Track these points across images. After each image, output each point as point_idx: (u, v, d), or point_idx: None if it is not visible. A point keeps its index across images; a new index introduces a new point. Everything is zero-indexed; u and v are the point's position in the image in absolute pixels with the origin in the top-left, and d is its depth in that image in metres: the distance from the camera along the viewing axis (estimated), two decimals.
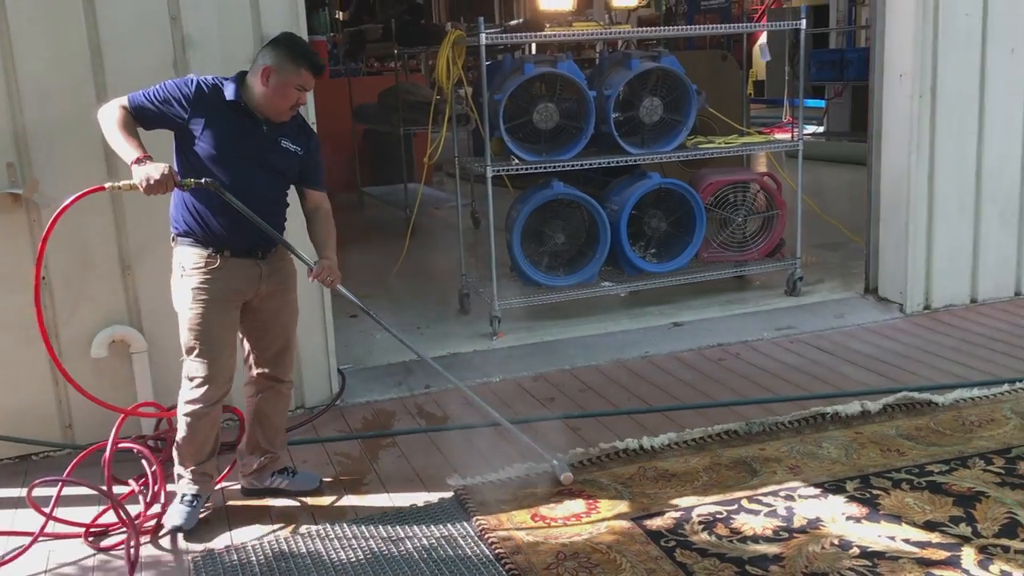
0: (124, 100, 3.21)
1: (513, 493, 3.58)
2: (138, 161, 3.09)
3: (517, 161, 5.39)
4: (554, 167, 5.43)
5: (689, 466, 3.72)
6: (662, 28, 6.42)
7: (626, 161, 5.61)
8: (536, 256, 5.63)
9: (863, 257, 6.21)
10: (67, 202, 3.29)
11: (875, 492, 3.42)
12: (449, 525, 3.40)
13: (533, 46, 8.33)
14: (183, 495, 3.51)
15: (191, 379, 3.38)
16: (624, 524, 3.31)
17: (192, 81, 3.26)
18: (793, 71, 14.40)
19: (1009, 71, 5.43)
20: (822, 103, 14.28)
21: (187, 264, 3.31)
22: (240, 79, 3.29)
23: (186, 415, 3.40)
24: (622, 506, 3.43)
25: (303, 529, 3.43)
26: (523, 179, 5.81)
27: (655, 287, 5.75)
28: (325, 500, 3.67)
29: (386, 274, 6.79)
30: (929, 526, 3.16)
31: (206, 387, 3.35)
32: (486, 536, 3.28)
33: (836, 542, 3.10)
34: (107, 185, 3.31)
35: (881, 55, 5.51)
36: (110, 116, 3.17)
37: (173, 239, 3.37)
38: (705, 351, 5.16)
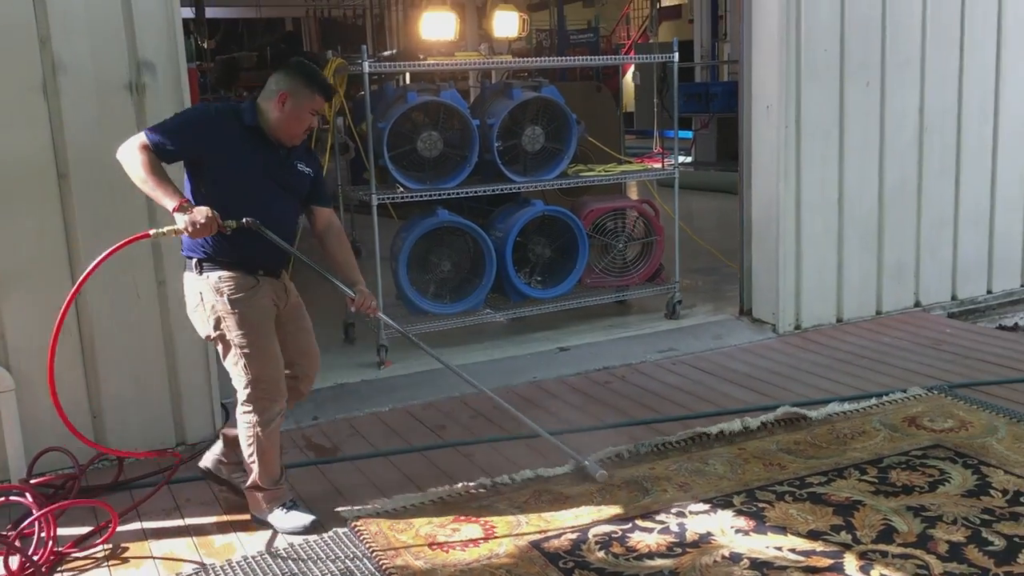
0: (143, 139, 3.20)
1: (409, 521, 3.54)
2: (180, 207, 3.16)
3: (402, 189, 5.38)
4: (439, 195, 5.45)
5: (583, 488, 3.76)
6: (543, 59, 6.52)
7: (510, 189, 5.68)
8: (422, 284, 5.62)
9: (737, 281, 6.47)
10: (111, 249, 3.29)
11: (761, 505, 3.54)
12: (345, 559, 3.33)
13: (407, 76, 8.39)
14: (284, 504, 3.59)
15: (268, 398, 3.44)
16: (522, 547, 3.32)
17: (207, 110, 3.40)
18: (662, 103, 14.93)
19: (865, 103, 5.78)
20: (689, 134, 14.84)
21: (226, 289, 3.34)
22: (253, 106, 3.37)
23: (262, 435, 3.46)
24: (520, 530, 3.44)
25: (188, 570, 3.30)
26: (407, 207, 5.80)
27: (541, 313, 5.83)
28: (213, 540, 3.54)
29: None
30: (812, 535, 3.30)
31: (280, 401, 3.49)
32: (384, 567, 3.23)
33: (727, 555, 3.20)
34: (152, 232, 3.33)
35: (749, 88, 5.77)
36: (136, 160, 3.17)
37: (196, 267, 3.37)
38: (592, 374, 5.25)
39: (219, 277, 3.34)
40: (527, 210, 5.77)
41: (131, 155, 3.19)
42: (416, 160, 5.47)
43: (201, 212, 3.16)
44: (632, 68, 16.16)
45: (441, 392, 4.99)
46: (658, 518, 3.48)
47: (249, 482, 3.60)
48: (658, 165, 6.51)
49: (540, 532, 3.42)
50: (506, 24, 9.16)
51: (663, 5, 19.61)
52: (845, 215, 5.86)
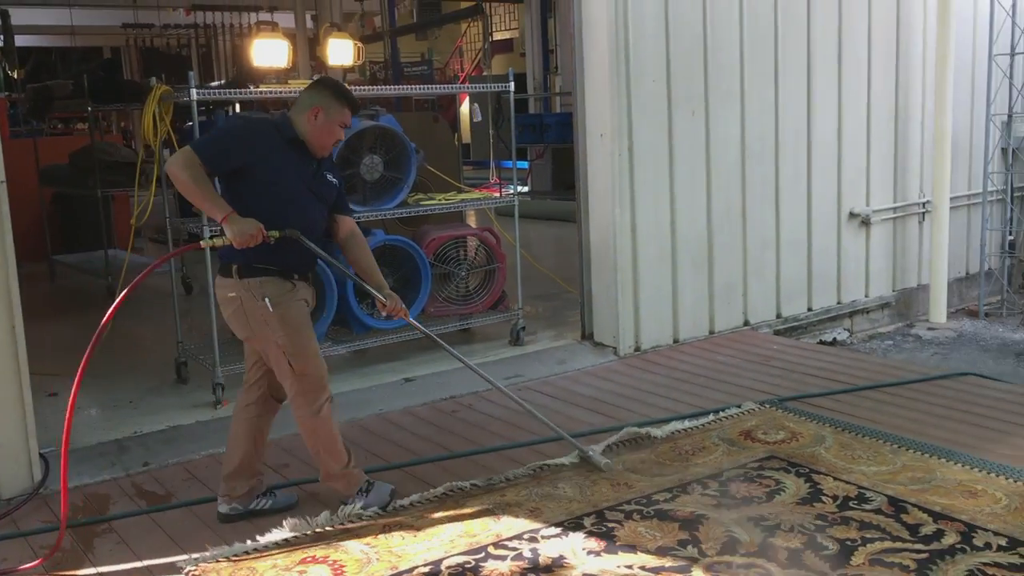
0: (190, 153, 3.36)
1: (251, 567, 3.37)
2: (228, 219, 3.35)
3: None
4: (380, 216, 5.32)
5: (434, 520, 3.69)
6: (379, 87, 6.48)
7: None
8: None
9: (579, 306, 6.59)
10: (163, 257, 3.73)
11: (610, 525, 3.57)
12: None
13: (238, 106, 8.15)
14: (361, 487, 3.79)
15: (313, 390, 3.63)
16: None
17: (250, 123, 3.60)
18: (498, 134, 15.16)
19: (691, 132, 6.04)
20: (525, 164, 15.11)
21: (268, 293, 3.53)
22: (287, 119, 3.59)
23: (323, 423, 3.67)
24: (370, 568, 3.33)
25: None
26: None
27: (385, 344, 5.73)
28: None
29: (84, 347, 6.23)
30: (661, 551, 3.35)
31: (326, 390, 3.68)
32: None
33: None
34: (202, 243, 3.59)
35: (583, 117, 5.92)
36: (186, 173, 3.33)
37: (236, 272, 3.54)
38: (438, 404, 5.19)
39: (260, 282, 3.53)
40: (368, 240, 5.66)
41: (181, 169, 3.34)
42: None
43: (249, 223, 3.36)
44: (467, 101, 16.36)
45: (282, 430, 4.75)
46: (511, 545, 3.45)
47: (323, 474, 3.80)
48: (495, 195, 6.59)
49: (391, 568, 3.32)
50: (341, 52, 9.04)
51: (495, 39, 20.00)
52: (678, 239, 6.08)
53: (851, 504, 3.65)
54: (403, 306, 3.83)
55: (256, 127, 3.64)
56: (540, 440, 4.58)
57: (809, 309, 6.81)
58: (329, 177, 3.72)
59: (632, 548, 3.38)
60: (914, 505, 3.60)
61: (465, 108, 16.88)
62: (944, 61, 6.86)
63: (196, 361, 5.47)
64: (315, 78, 3.88)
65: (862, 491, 3.75)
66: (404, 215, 5.77)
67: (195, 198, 3.41)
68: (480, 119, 10.74)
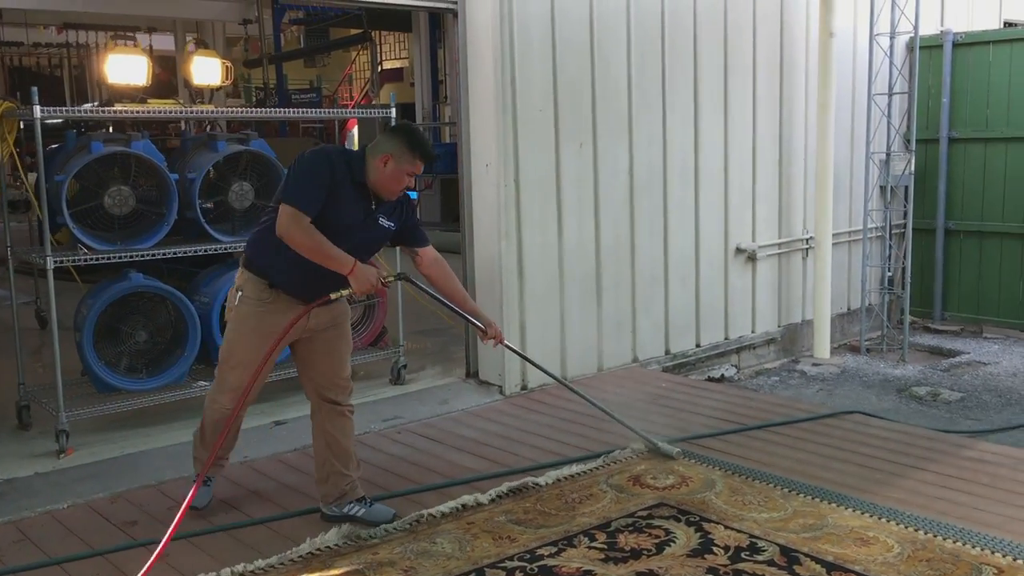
0: (295, 212, 3.41)
1: None
2: (354, 271, 3.47)
3: (85, 250, 4.73)
4: (131, 257, 4.85)
5: None
6: (249, 109, 6.11)
7: (216, 249, 5.19)
8: (113, 357, 4.96)
9: (462, 342, 6.33)
10: (306, 309, 3.56)
11: None
12: None
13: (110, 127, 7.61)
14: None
15: (221, 389, 3.81)
16: None
17: (329, 160, 3.53)
18: None
19: (579, 163, 5.89)
20: (414, 195, 14.81)
21: (247, 292, 3.69)
22: (363, 159, 3.58)
23: (209, 416, 3.89)
24: None
25: None
26: (96, 272, 5.14)
27: None
28: None
29: None
30: None
31: (231, 400, 3.74)
32: None
33: None
34: (332, 296, 3.56)
35: (468, 147, 5.70)
36: (301, 232, 3.42)
37: (245, 262, 3.76)
38: (310, 451, 4.76)
39: (247, 277, 3.69)
40: (236, 272, 5.27)
41: (303, 235, 3.42)
42: (105, 218, 4.86)
43: (371, 272, 3.52)
44: (356, 128, 16.01)
45: (134, 481, 4.37)
46: None
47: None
48: None
49: None
50: (207, 71, 8.51)
51: (385, 68, 19.70)
52: (566, 273, 5.89)
53: (743, 555, 3.47)
54: (501, 332, 4.01)
55: (332, 160, 3.56)
56: (418, 489, 4.28)
57: (697, 345, 6.72)
58: (382, 219, 3.68)
59: None
60: (806, 555, 3.45)
61: (355, 134, 16.51)
62: (826, 100, 6.93)
63: (39, 404, 4.96)
64: (396, 123, 4.07)
65: (754, 540, 3.58)
66: None
67: (320, 258, 3.47)
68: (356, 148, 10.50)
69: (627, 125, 6.10)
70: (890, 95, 7.31)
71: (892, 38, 7.25)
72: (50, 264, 4.54)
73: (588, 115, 5.90)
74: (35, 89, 4.35)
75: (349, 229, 3.58)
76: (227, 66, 8.36)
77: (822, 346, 7.18)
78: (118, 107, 5.02)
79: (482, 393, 5.73)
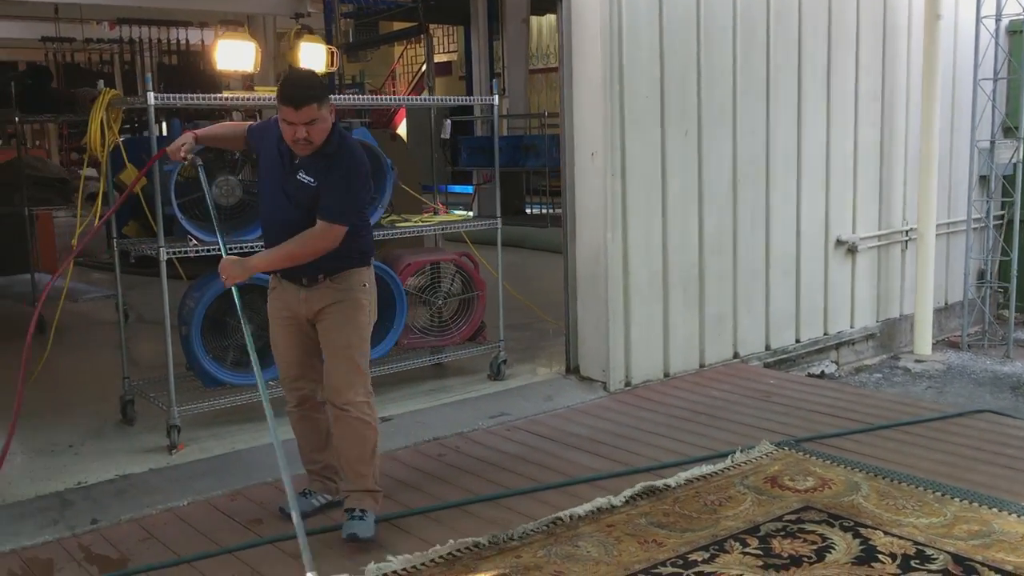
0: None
1: None
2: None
3: (195, 242, 4.62)
4: (240, 248, 4.72)
5: None
6: (358, 96, 5.98)
7: None
8: (220, 351, 4.85)
9: (553, 336, 6.19)
10: None
11: None
12: None
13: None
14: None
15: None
16: None
17: (269, 121, 3.58)
18: (445, 156, 14.66)
19: (684, 152, 5.69)
20: (470, 189, 14.65)
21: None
22: None
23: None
24: None
25: None
26: (195, 264, 5.03)
27: None
28: None
29: (11, 384, 5.55)
30: None
31: (288, 392, 3.79)
32: None
33: None
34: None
35: (571, 135, 5.53)
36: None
37: None
38: (421, 447, 4.69)
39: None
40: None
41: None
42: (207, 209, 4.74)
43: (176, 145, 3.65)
44: (405, 122, 15.87)
45: (250, 478, 4.24)
46: None
47: None
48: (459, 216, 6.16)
49: None
50: (313, 56, 8.27)
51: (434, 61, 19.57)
52: (670, 266, 5.71)
53: (913, 564, 3.27)
54: (227, 273, 3.47)
55: (268, 122, 3.62)
56: (542, 487, 4.13)
57: (797, 340, 6.50)
58: (301, 176, 3.46)
59: None
60: (983, 564, 3.24)
61: (402, 129, 16.36)
62: (931, 86, 6.68)
63: (145, 399, 4.87)
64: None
65: (920, 548, 3.38)
66: (379, 238, 5.26)
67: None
68: (448, 136, 10.34)
69: (731, 112, 5.90)
70: (995, 80, 7.03)
71: (998, 20, 6.97)
72: (163, 255, 4.43)
73: (693, 101, 5.70)
74: (149, 76, 4.24)
75: (274, 192, 3.55)
76: (332, 52, 8.19)
77: (923, 342, 6.93)
78: (226, 94, 4.88)
79: (585, 389, 5.56)
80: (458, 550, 3.47)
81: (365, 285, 3.63)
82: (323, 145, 3.42)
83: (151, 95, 4.29)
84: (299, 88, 3.36)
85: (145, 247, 4.65)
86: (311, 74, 3.66)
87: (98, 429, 4.88)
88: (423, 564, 3.37)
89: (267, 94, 5.00)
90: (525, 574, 3.29)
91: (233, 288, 3.55)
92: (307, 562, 3.16)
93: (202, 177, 3.79)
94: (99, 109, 4.63)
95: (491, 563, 3.37)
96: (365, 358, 3.65)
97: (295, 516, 3.26)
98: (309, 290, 3.55)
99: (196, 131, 3.73)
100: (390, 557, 3.39)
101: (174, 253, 4.50)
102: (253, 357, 3.56)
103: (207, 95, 4.88)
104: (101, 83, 4.72)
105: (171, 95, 4.42)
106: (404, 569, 3.34)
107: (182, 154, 3.66)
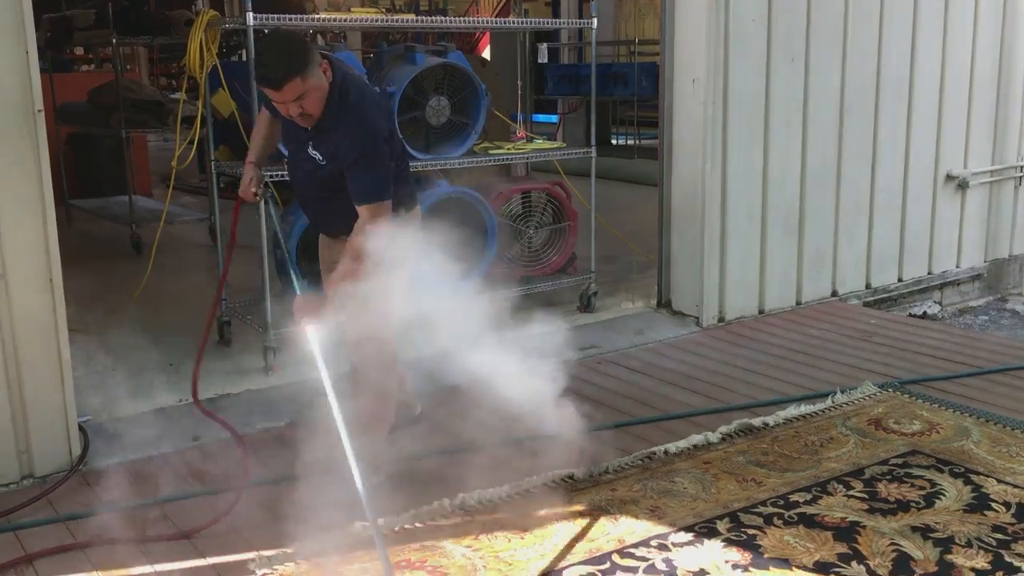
0: None
1: (335, 572, 2.86)
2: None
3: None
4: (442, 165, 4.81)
5: (541, 519, 3.18)
6: (452, 18, 5.86)
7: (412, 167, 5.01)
8: (316, 275, 4.85)
9: (643, 270, 6.08)
10: None
11: (750, 532, 3.06)
12: None
13: None
14: None
15: None
16: None
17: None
18: (530, 84, 14.43)
19: (790, 79, 5.44)
20: (554, 118, 14.42)
21: None
22: None
23: None
24: None
25: None
26: (290, 189, 5.03)
27: None
28: None
29: (116, 302, 5.71)
30: (821, 568, 2.84)
31: None
32: None
33: None
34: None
35: (671, 61, 5.32)
36: None
37: None
38: None
39: None
40: (431, 191, 5.11)
41: None
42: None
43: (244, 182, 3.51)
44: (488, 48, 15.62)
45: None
46: (638, 553, 2.95)
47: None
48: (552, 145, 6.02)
49: None
50: None
51: None
52: (769, 199, 5.50)
53: None
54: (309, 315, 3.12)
55: None
56: (634, 421, 4.08)
57: (899, 280, 6.26)
58: (311, 151, 3.24)
59: (785, 563, 2.88)
60: None
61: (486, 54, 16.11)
62: None
63: (242, 321, 4.94)
64: None
65: None
66: (472, 164, 5.19)
67: None
68: (546, 60, 10.17)
69: (841, 36, 5.60)
70: None
71: None
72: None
73: (802, 25, 5.42)
74: None
75: (294, 163, 3.45)
76: None
77: None
78: (323, 15, 4.82)
79: (677, 324, 5.45)
80: (553, 481, 3.45)
81: None
82: (322, 117, 3.13)
83: (250, 15, 4.24)
84: (274, 67, 2.97)
85: (230, 167, 4.65)
86: (286, 43, 3.05)
87: (196, 350, 4.96)
88: (519, 494, 3.36)
89: (364, 15, 4.91)
90: (622, 508, 3.25)
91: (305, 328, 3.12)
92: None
93: (271, 210, 3.50)
94: (198, 30, 4.61)
95: (586, 496, 3.35)
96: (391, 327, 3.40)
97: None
98: (335, 241, 3.47)
99: (249, 158, 3.50)
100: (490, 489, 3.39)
101: (270, 177, 4.49)
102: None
103: (306, 15, 4.80)
104: (200, 2, 4.68)
105: (270, 15, 4.36)
106: (501, 499, 3.33)
107: (253, 190, 3.43)
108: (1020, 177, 6.73)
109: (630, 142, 14.06)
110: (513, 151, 5.40)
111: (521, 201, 5.57)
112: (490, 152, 5.32)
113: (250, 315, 4.86)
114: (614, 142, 14.60)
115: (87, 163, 9.35)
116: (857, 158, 5.84)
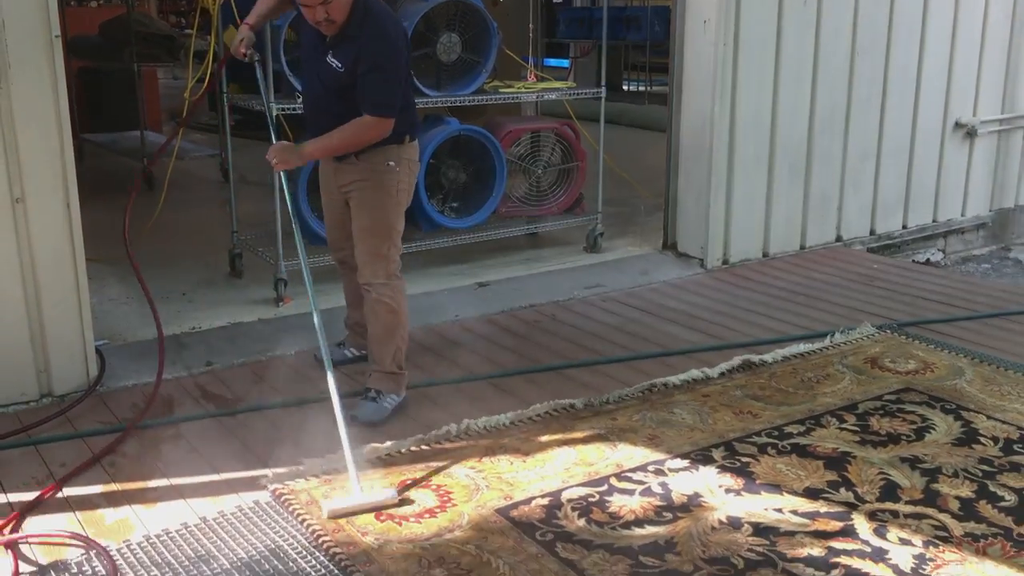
0: None
1: (346, 487, 2.98)
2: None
3: (302, 100, 4.65)
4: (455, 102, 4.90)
5: (543, 444, 3.29)
6: None
7: (422, 104, 5.04)
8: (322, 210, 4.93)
9: (649, 213, 6.13)
10: None
11: (744, 459, 3.17)
12: (273, 535, 2.75)
13: None
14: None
15: None
16: (487, 516, 2.83)
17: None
18: (542, 27, 14.31)
19: (802, 21, 5.44)
20: (566, 63, 14.33)
21: None
22: None
23: None
24: (480, 496, 2.94)
25: (74, 555, 2.64)
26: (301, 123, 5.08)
27: (452, 245, 5.26)
28: (103, 515, 2.87)
29: (130, 233, 5.78)
30: (811, 494, 2.95)
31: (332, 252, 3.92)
32: (323, 543, 2.68)
33: (724, 519, 2.81)
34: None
35: (683, 2, 5.32)
36: None
37: None
38: (518, 313, 4.76)
39: None
40: (441, 129, 5.15)
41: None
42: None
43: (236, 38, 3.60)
44: None
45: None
46: (636, 477, 3.06)
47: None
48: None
49: (505, 498, 2.93)
50: None
51: None
52: (777, 142, 5.54)
53: (1016, 448, 3.23)
54: (278, 156, 3.40)
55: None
56: (636, 356, 4.17)
57: (904, 226, 6.31)
58: (330, 59, 3.31)
59: (776, 488, 2.98)
60: None
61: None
62: None
63: (253, 254, 5.03)
64: None
65: None
66: (482, 102, 5.23)
67: None
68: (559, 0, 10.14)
69: None
70: None
71: None
72: (273, 111, 4.46)
73: None
74: None
75: (309, 75, 3.55)
76: None
77: None
78: None
79: (682, 265, 5.52)
80: (555, 410, 3.56)
81: (391, 163, 3.42)
82: (345, 24, 3.23)
83: None
84: None
85: (255, 103, 4.70)
86: None
87: (209, 280, 5.07)
88: (521, 421, 3.47)
89: None
90: (621, 436, 3.35)
91: (281, 173, 3.51)
92: (337, 410, 3.09)
93: (258, 73, 3.78)
94: None
95: (587, 424, 3.45)
96: (386, 240, 3.49)
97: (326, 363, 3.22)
98: (338, 163, 3.52)
99: (247, 20, 3.63)
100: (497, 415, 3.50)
101: (281, 110, 4.54)
102: (296, 227, 3.55)
103: None
104: None
105: None
106: (503, 424, 3.44)
107: (243, 50, 3.58)
108: None
109: (641, 88, 13.99)
110: (522, 89, 5.43)
111: (530, 141, 5.60)
112: (500, 90, 5.35)
113: (261, 248, 4.94)
114: (625, 88, 14.52)
115: (98, 97, 9.37)
116: (866, 103, 5.85)
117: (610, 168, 6.74)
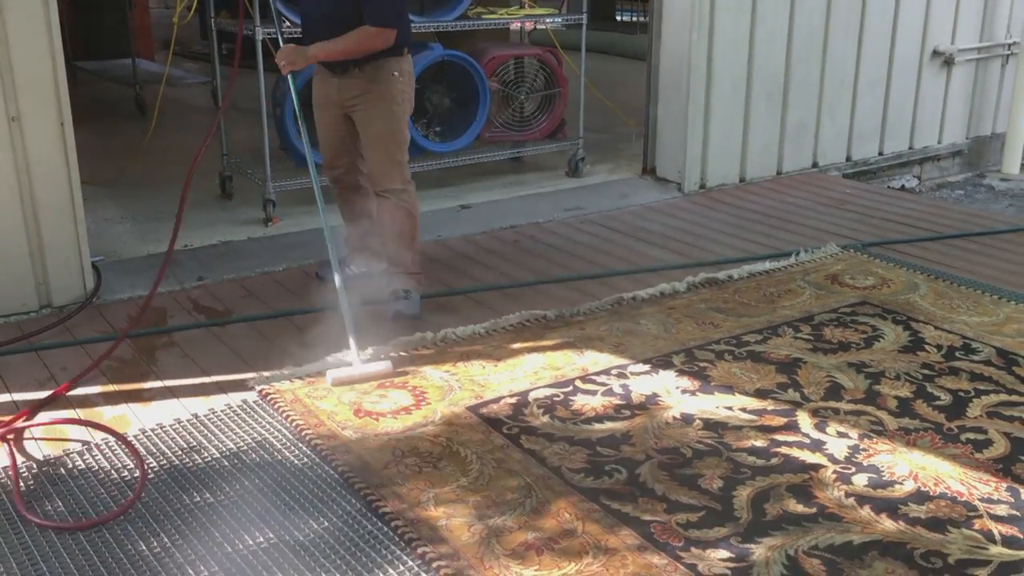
0: None
1: (327, 388, 3.19)
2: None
3: (289, 25, 4.77)
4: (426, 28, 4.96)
5: (514, 351, 3.50)
6: None
7: None
8: (312, 133, 5.07)
9: (632, 141, 6.26)
10: None
11: (702, 364, 3.38)
12: (259, 428, 2.97)
13: None
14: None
15: None
16: (459, 413, 3.05)
17: None
18: None
19: None
20: None
21: None
22: None
23: None
24: (453, 395, 3.16)
25: (75, 447, 2.87)
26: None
27: (437, 168, 5.42)
28: (102, 412, 3.09)
29: (122, 157, 5.95)
30: (760, 394, 3.17)
31: (326, 169, 3.98)
32: (306, 436, 2.90)
33: (678, 416, 3.03)
34: None
35: None
36: None
37: None
38: (498, 233, 4.94)
39: None
40: (425, 54, 5.27)
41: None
42: None
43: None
44: None
45: (340, 249, 4.55)
46: (599, 380, 3.27)
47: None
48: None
49: (476, 397, 3.15)
50: None
51: None
52: (754, 71, 5.66)
53: (957, 355, 3.44)
54: (285, 58, 3.57)
55: None
56: (608, 273, 4.36)
57: (880, 153, 6.45)
58: None
59: (729, 389, 3.20)
60: None
61: None
62: None
63: (243, 176, 5.18)
64: None
65: (967, 341, 3.54)
66: (465, 27, 5.33)
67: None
68: None
69: None
70: None
71: None
72: (260, 35, 4.59)
73: None
74: None
75: None
76: None
77: (1012, 161, 6.79)
78: None
79: (660, 189, 5.69)
80: (527, 320, 3.76)
81: (395, 74, 3.61)
82: None
83: None
84: None
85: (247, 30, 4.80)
86: None
87: (200, 201, 5.22)
88: (495, 330, 3.68)
89: None
90: (588, 344, 3.56)
91: (289, 76, 3.67)
92: (339, 286, 3.42)
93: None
94: None
95: (557, 333, 3.66)
96: (400, 147, 3.72)
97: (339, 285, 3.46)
98: (341, 78, 3.64)
99: None
100: (471, 327, 3.70)
101: (268, 34, 4.66)
102: (305, 140, 3.71)
103: None
104: None
105: None
106: (478, 333, 3.64)
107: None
108: (1007, 55, 6.83)
109: (634, 18, 13.95)
110: (506, 15, 5.53)
111: (513, 67, 5.72)
112: (484, 16, 5.45)
113: (250, 169, 5.09)
114: (619, 18, 14.48)
115: (89, 23, 9.40)
116: (844, 31, 5.95)
117: (596, 96, 6.87)
